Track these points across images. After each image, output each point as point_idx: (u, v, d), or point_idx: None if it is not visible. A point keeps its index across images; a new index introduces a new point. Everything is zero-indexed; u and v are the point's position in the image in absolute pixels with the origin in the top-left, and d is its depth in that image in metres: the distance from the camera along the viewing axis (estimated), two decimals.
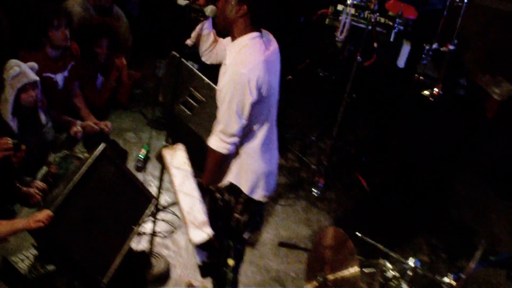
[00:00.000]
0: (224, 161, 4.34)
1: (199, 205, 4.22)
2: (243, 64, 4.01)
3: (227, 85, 4.05)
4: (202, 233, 4.18)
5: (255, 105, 4.09)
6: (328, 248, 5.11)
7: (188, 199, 4.20)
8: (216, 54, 4.57)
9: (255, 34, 4.13)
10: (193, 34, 4.55)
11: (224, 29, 4.23)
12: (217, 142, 4.20)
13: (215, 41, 4.57)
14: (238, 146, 4.27)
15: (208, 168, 4.37)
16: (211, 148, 4.26)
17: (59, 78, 6.29)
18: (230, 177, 4.45)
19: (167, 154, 4.45)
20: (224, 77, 4.11)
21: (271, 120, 4.40)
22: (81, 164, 5.14)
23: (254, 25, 4.13)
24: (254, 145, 4.34)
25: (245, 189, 4.43)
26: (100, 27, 6.70)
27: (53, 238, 4.53)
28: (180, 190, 4.26)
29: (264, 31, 4.22)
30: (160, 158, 4.53)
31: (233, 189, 4.46)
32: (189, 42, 4.57)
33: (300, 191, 6.71)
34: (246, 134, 4.26)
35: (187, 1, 4.36)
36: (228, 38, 4.34)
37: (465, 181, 7.40)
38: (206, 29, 4.50)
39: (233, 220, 4.57)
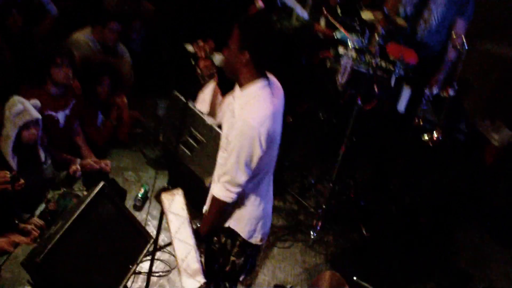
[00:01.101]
0: (225, 208, 4.35)
1: (193, 253, 4.19)
2: (254, 118, 3.97)
3: (236, 137, 4.02)
4: (194, 281, 4.15)
5: (262, 157, 4.11)
6: None
7: (183, 246, 4.18)
8: (224, 111, 4.46)
9: (262, 82, 4.09)
10: (202, 98, 4.51)
11: (232, 77, 4.22)
12: (223, 191, 4.19)
13: (222, 101, 4.51)
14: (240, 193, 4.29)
15: (210, 215, 4.36)
16: (215, 197, 4.26)
17: (60, 116, 6.33)
18: (230, 223, 4.43)
19: (165, 199, 4.43)
20: (234, 129, 4.06)
21: (272, 166, 4.41)
22: (79, 202, 5.14)
23: (259, 71, 4.10)
24: (256, 191, 4.33)
25: (244, 234, 4.44)
26: (102, 65, 6.77)
27: (49, 275, 4.51)
28: (176, 237, 4.24)
29: (269, 75, 4.22)
30: (159, 200, 4.51)
31: (230, 232, 4.46)
32: (203, 109, 4.55)
33: (297, 233, 6.67)
34: (249, 181, 4.25)
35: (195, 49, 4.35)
36: (231, 94, 4.33)
37: (464, 227, 7.37)
38: (214, 90, 4.46)
39: (229, 262, 4.57)
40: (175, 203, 4.38)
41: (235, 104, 4.14)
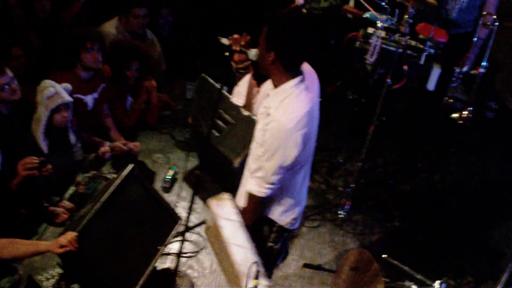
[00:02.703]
0: (263, 201, 4.35)
1: (251, 256, 4.13)
2: (288, 120, 3.95)
3: (271, 139, 4.01)
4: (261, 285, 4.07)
5: (298, 156, 4.09)
6: (353, 269, 5.12)
7: (240, 251, 4.11)
8: (260, 102, 4.43)
9: (296, 80, 4.05)
10: (238, 90, 4.47)
11: (265, 74, 4.19)
12: (256, 186, 4.20)
13: (258, 92, 4.48)
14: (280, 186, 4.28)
15: (248, 209, 4.35)
16: (249, 192, 4.28)
17: (89, 99, 6.38)
18: (267, 212, 4.46)
19: (214, 205, 4.39)
20: (269, 128, 4.03)
21: (309, 159, 4.40)
22: (108, 184, 5.19)
23: (289, 70, 4.05)
24: (292, 181, 4.34)
25: (281, 222, 4.47)
26: (131, 49, 6.78)
27: (78, 257, 4.55)
28: (232, 242, 4.17)
29: (303, 65, 4.16)
30: (207, 206, 4.46)
31: (267, 219, 4.47)
32: (239, 102, 4.52)
33: (326, 213, 6.68)
34: (284, 175, 4.23)
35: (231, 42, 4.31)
36: (267, 83, 4.33)
37: (495, 205, 7.32)
38: (250, 82, 4.42)
39: (267, 249, 4.60)
40: (225, 208, 4.34)
41: (270, 102, 4.10)
